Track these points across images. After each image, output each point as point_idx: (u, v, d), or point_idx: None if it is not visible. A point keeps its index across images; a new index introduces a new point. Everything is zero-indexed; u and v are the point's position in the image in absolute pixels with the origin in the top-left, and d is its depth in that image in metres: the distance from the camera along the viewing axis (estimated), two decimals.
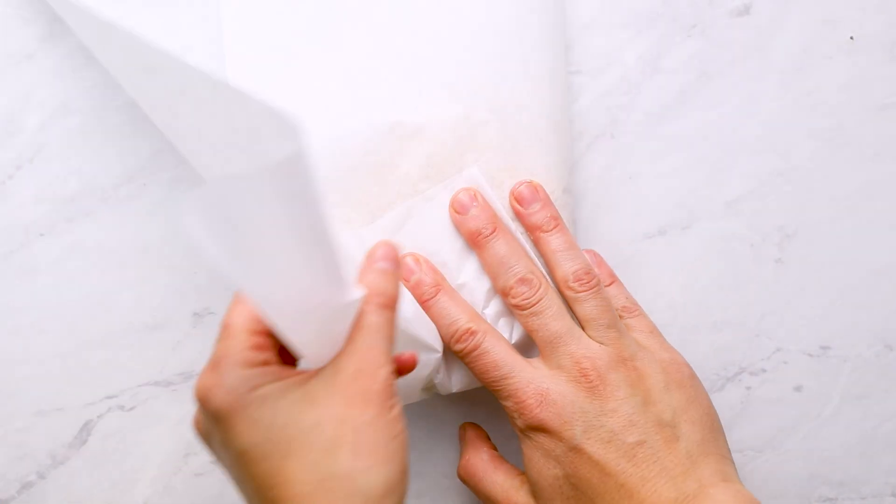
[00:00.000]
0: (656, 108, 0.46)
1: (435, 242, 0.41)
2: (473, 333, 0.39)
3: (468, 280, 0.41)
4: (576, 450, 0.37)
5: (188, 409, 0.45)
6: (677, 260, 0.46)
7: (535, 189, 0.41)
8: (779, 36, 0.46)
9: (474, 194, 0.40)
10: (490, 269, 0.40)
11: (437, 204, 0.41)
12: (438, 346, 0.39)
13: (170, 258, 0.45)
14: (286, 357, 0.31)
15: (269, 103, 0.25)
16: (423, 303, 0.40)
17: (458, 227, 0.41)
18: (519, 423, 0.38)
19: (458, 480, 0.42)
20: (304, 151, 0.24)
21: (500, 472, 0.40)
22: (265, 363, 0.29)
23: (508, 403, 0.38)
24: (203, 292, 0.45)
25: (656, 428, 0.37)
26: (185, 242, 0.45)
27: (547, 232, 0.40)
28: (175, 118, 0.35)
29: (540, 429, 0.37)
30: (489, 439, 0.42)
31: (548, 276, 0.41)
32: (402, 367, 0.34)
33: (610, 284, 0.42)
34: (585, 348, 0.38)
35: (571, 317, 0.40)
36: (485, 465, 0.40)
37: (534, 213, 0.40)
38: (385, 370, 0.29)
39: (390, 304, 0.31)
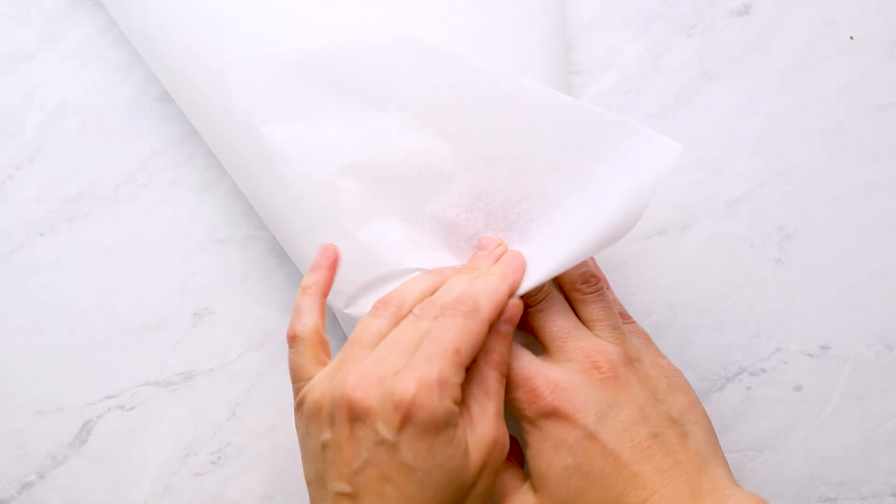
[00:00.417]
0: (656, 108, 0.46)
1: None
2: None
3: None
4: (591, 437, 0.36)
5: (188, 409, 0.45)
6: (677, 260, 0.46)
7: None
8: (779, 36, 0.46)
9: None
10: None
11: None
12: None
13: (170, 258, 0.45)
14: None
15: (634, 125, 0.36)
16: None
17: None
18: (529, 412, 0.37)
19: None
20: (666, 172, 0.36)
21: (508, 470, 0.39)
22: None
23: (518, 394, 0.38)
24: (203, 292, 0.45)
25: (668, 423, 0.37)
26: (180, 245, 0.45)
27: None
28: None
29: (553, 415, 0.37)
30: None
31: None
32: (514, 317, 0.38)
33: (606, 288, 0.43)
34: (595, 343, 0.38)
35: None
36: None
37: None
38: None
39: (506, 371, 0.37)
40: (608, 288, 0.43)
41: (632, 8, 0.46)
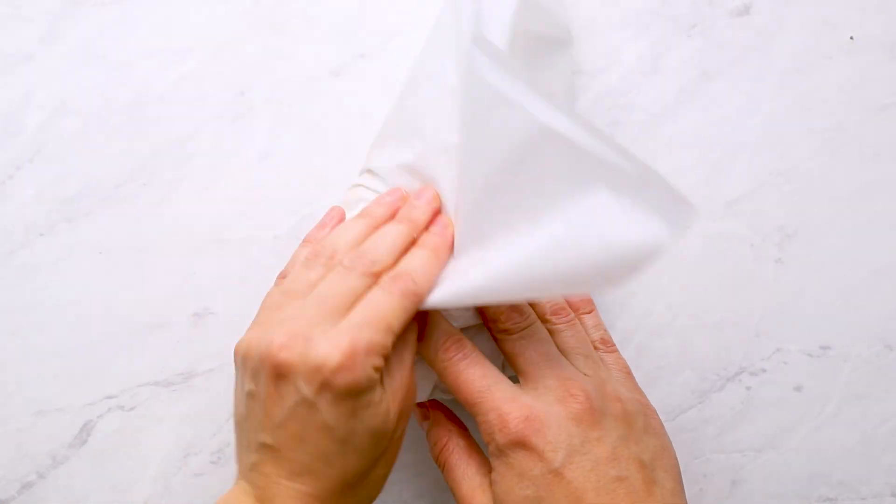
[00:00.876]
0: (656, 108, 0.46)
1: None
2: (464, 343, 0.38)
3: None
4: (556, 473, 0.35)
5: (188, 409, 0.45)
6: (677, 260, 0.46)
7: None
8: (779, 36, 0.46)
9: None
10: None
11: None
12: None
13: (170, 258, 0.45)
14: None
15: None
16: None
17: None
18: (498, 438, 0.36)
19: None
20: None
21: (473, 464, 0.38)
22: None
23: (490, 417, 0.36)
24: (203, 292, 0.45)
25: (638, 467, 0.36)
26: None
27: None
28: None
29: (522, 445, 0.35)
30: (459, 419, 0.42)
31: None
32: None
33: (589, 312, 0.42)
34: (573, 373, 0.37)
35: None
36: (461, 452, 0.39)
37: None
38: None
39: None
40: (591, 311, 0.42)
41: (632, 8, 0.46)
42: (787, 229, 0.46)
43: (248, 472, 0.35)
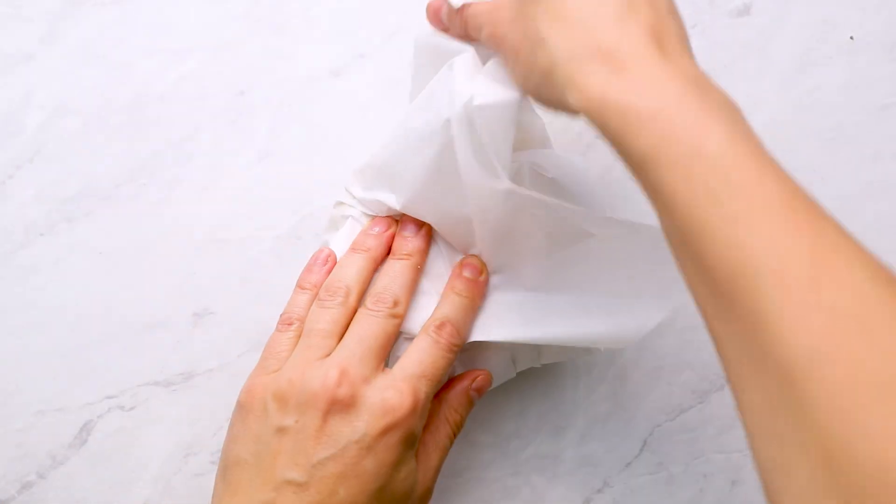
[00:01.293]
0: None
1: None
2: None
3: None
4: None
5: (188, 409, 0.45)
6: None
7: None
8: (779, 36, 0.46)
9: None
10: None
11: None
12: None
13: (170, 258, 0.45)
14: None
15: None
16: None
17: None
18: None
19: (459, 480, 0.42)
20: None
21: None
22: None
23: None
24: (203, 292, 0.45)
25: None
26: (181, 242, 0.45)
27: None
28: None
29: None
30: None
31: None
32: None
33: None
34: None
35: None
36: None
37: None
38: None
39: (457, 433, 0.39)
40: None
41: None
42: None
43: None
